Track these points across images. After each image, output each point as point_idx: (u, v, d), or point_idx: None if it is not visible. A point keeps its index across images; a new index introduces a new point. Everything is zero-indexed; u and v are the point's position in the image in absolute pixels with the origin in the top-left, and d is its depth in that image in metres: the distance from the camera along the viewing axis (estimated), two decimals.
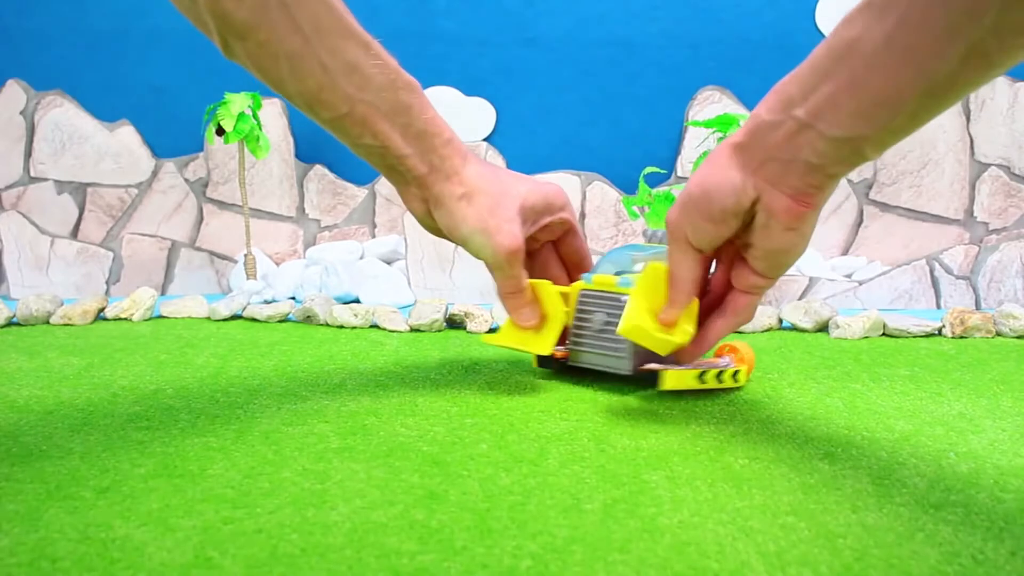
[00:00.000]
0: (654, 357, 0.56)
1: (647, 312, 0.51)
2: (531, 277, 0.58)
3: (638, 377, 0.56)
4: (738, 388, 0.58)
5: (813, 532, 0.34)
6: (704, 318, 0.52)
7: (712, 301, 0.53)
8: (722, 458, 0.43)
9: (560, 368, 0.60)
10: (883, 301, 1.04)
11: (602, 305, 0.57)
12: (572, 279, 0.62)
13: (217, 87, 1.12)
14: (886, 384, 0.60)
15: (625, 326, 0.50)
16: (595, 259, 0.69)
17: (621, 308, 0.54)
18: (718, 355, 0.61)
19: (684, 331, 0.51)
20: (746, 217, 0.45)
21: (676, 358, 0.54)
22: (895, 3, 0.36)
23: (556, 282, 0.60)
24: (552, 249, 0.62)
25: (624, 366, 0.56)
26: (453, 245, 1.14)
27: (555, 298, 0.57)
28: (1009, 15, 0.32)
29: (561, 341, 0.59)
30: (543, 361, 0.60)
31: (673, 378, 0.53)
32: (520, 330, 0.58)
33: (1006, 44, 0.33)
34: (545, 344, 0.57)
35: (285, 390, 0.58)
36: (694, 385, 0.55)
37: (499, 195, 0.53)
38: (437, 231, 0.55)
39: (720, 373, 0.56)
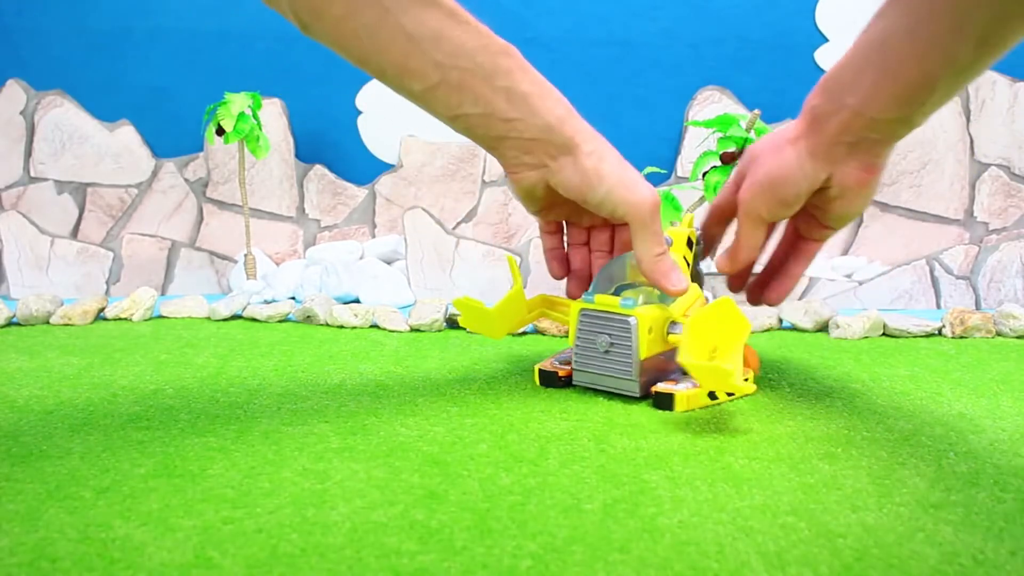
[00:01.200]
0: (660, 377, 0.55)
1: (705, 346, 0.50)
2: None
3: (644, 398, 0.55)
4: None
5: (813, 532, 0.34)
6: (775, 264, 0.59)
7: (779, 251, 0.59)
8: (722, 458, 0.43)
9: (564, 386, 0.59)
10: (883, 301, 1.04)
11: (606, 326, 0.55)
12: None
13: (217, 87, 1.12)
14: (886, 384, 0.60)
15: (687, 361, 0.49)
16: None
17: (628, 329, 0.54)
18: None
19: (740, 372, 0.50)
20: (814, 194, 0.50)
21: (766, 298, 0.59)
22: (916, 1, 0.40)
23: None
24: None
25: (633, 388, 0.55)
26: (453, 245, 1.14)
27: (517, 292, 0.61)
28: (1007, 5, 0.37)
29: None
30: (546, 379, 0.59)
31: (685, 400, 0.53)
32: (481, 317, 0.61)
33: (1009, 28, 0.38)
34: (499, 330, 0.62)
35: (285, 390, 0.58)
36: (706, 403, 0.54)
37: (615, 152, 0.52)
38: (547, 202, 0.53)
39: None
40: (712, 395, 0.54)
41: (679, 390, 0.53)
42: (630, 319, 0.54)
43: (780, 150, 0.50)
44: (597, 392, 0.57)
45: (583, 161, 0.49)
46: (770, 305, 0.60)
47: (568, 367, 0.59)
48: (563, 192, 0.51)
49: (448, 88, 0.46)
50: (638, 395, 0.55)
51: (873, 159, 0.48)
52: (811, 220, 0.54)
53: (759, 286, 0.60)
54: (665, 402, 0.53)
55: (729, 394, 0.55)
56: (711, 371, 0.49)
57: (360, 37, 0.44)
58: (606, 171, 0.49)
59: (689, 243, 0.60)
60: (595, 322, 0.56)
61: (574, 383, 0.59)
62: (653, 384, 0.55)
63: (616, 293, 0.57)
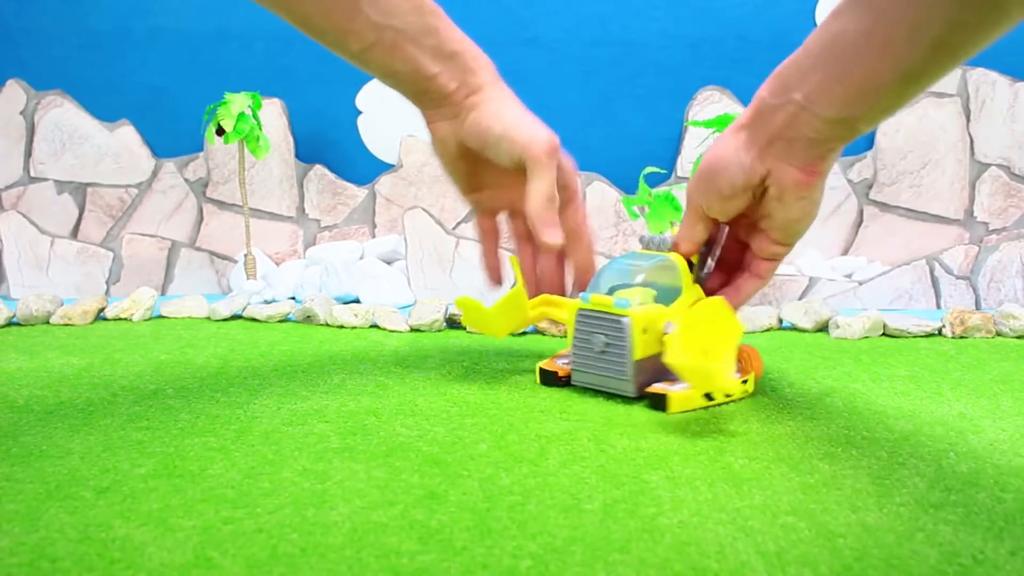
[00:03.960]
0: (658, 378, 0.55)
1: (695, 346, 0.50)
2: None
3: (641, 398, 0.55)
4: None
5: (813, 532, 0.34)
6: (727, 274, 0.58)
7: (731, 268, 0.58)
8: (722, 458, 0.43)
9: (563, 385, 0.59)
10: (883, 301, 1.04)
11: (601, 326, 0.55)
12: (575, 263, 0.61)
13: (217, 87, 1.12)
14: (886, 384, 0.60)
15: (674, 361, 0.49)
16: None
17: (621, 329, 0.54)
18: None
19: (730, 373, 0.50)
20: (757, 191, 0.49)
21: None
22: (875, 1, 0.40)
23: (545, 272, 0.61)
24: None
25: (628, 388, 0.55)
26: (453, 245, 1.14)
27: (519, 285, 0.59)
28: (964, 13, 0.37)
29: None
30: (546, 378, 0.59)
31: (679, 401, 0.53)
32: (482, 316, 0.60)
33: (966, 37, 0.38)
34: (502, 328, 0.62)
35: (285, 390, 0.58)
36: (702, 404, 0.54)
37: (521, 104, 0.54)
38: (457, 154, 0.55)
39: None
40: (708, 396, 0.54)
41: (673, 391, 0.53)
42: (624, 319, 0.54)
43: (723, 140, 0.49)
44: (597, 392, 0.57)
45: (484, 106, 0.52)
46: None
47: (567, 367, 0.59)
48: (469, 143, 0.53)
49: (383, 48, 0.49)
50: (634, 395, 0.55)
51: (813, 161, 0.46)
52: (760, 234, 0.53)
53: (708, 290, 0.58)
54: (659, 402, 0.53)
55: (727, 396, 0.55)
56: (695, 370, 0.49)
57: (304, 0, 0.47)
58: (506, 112, 0.52)
59: None
60: (591, 322, 0.56)
61: (572, 383, 0.59)
62: (650, 384, 0.55)
63: (610, 293, 0.57)
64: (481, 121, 0.52)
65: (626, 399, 0.56)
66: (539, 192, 0.52)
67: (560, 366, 0.60)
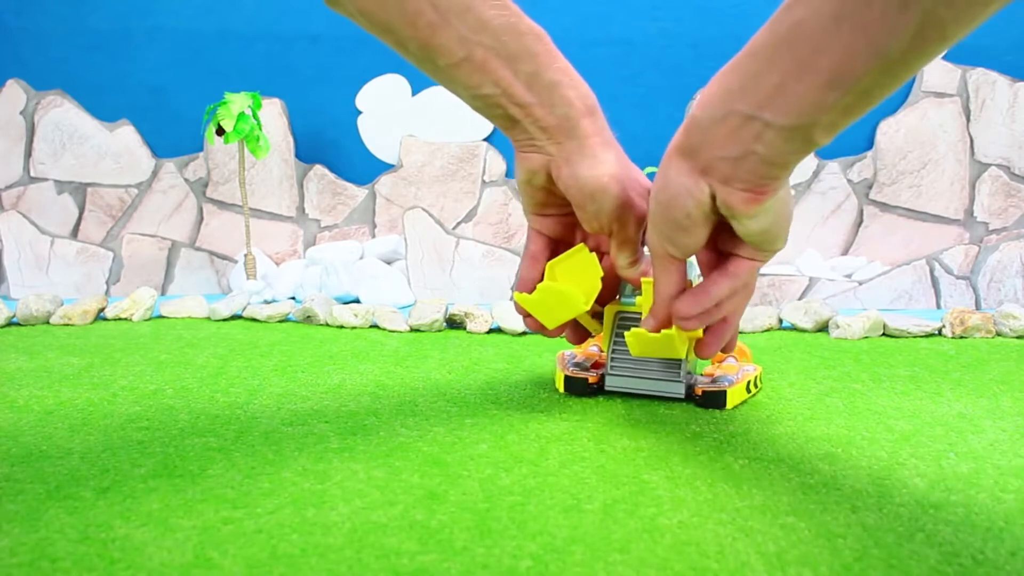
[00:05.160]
0: (691, 376, 0.54)
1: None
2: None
3: (687, 399, 0.54)
4: None
5: (813, 532, 0.34)
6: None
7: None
8: (722, 458, 0.43)
9: (592, 393, 0.56)
10: (883, 301, 1.04)
11: None
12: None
13: (217, 87, 1.12)
14: (886, 384, 0.60)
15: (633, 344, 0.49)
16: None
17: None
18: (719, 361, 0.60)
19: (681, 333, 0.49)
20: (714, 215, 0.44)
21: (698, 350, 0.50)
22: None
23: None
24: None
25: (679, 390, 0.53)
26: (453, 245, 1.14)
27: (589, 264, 0.51)
28: None
29: (595, 365, 0.57)
30: (573, 386, 0.56)
31: (734, 395, 0.53)
32: (556, 300, 0.51)
33: (959, 13, 0.32)
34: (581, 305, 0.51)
35: (285, 390, 0.58)
36: (744, 397, 0.54)
37: (626, 161, 0.49)
38: (541, 187, 0.50)
39: (756, 379, 0.56)
40: (748, 389, 0.55)
41: (728, 387, 0.53)
42: None
43: (662, 170, 0.44)
44: (596, 392, 0.57)
45: (582, 159, 0.47)
46: (723, 353, 0.53)
47: (595, 373, 0.56)
48: (561, 187, 0.49)
49: (472, 66, 0.44)
50: (683, 397, 0.54)
51: (763, 180, 0.40)
52: (735, 238, 0.46)
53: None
54: (716, 400, 0.52)
55: (757, 386, 0.56)
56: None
57: (388, 6, 0.42)
58: (611, 160, 0.47)
59: None
60: (633, 324, 0.53)
61: (607, 388, 0.56)
62: (692, 384, 0.54)
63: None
64: (578, 178, 0.47)
65: (625, 398, 0.55)
66: (628, 236, 0.49)
67: (587, 372, 0.56)
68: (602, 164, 0.47)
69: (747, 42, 0.39)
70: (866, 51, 0.34)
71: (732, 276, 0.47)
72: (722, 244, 0.48)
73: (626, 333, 0.49)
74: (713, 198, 0.42)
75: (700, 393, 0.53)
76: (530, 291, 0.51)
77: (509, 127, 0.48)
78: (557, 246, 0.53)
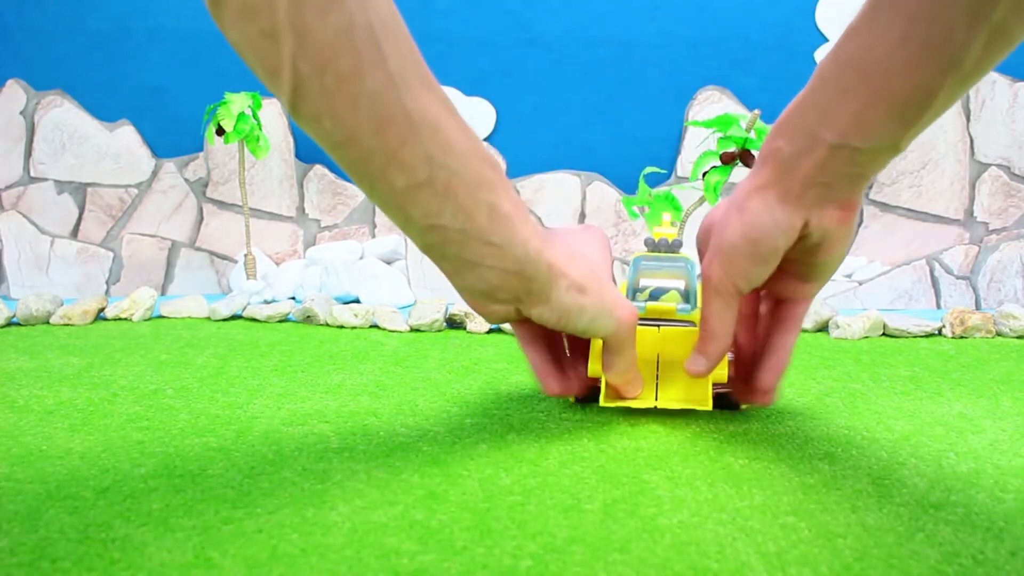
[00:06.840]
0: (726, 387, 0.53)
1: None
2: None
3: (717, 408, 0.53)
4: None
5: (813, 532, 0.34)
6: (757, 343, 0.50)
7: (760, 327, 0.51)
8: (722, 458, 0.43)
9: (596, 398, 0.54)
10: (883, 301, 1.04)
11: None
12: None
13: (217, 87, 1.12)
14: (886, 384, 0.60)
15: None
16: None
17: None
18: None
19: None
20: (790, 247, 0.44)
21: (759, 383, 0.48)
22: (903, 2, 0.35)
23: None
24: None
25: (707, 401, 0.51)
26: None
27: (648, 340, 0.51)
28: None
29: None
30: (587, 397, 0.54)
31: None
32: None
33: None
34: (649, 395, 0.51)
35: (285, 390, 0.58)
36: None
37: (590, 265, 0.46)
38: (527, 325, 0.48)
39: None
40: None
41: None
42: (689, 324, 0.50)
43: (742, 209, 0.44)
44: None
45: (562, 298, 0.44)
46: (764, 394, 0.49)
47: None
48: (540, 323, 0.46)
49: (432, 191, 0.39)
50: (711, 407, 0.50)
51: (850, 195, 0.42)
52: (787, 276, 0.47)
53: (744, 376, 0.50)
54: (731, 401, 0.52)
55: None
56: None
57: (359, 107, 0.37)
58: (589, 303, 0.45)
59: None
60: (645, 326, 0.51)
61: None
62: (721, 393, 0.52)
63: (652, 298, 0.53)
64: (557, 316, 0.45)
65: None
66: (624, 366, 0.48)
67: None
68: (571, 293, 0.44)
69: (815, 70, 0.40)
70: (937, 68, 0.35)
71: (797, 324, 0.48)
72: (780, 289, 0.47)
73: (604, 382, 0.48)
74: (801, 230, 0.43)
75: (715, 395, 0.51)
76: (557, 388, 0.48)
77: (464, 272, 0.44)
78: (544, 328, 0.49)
